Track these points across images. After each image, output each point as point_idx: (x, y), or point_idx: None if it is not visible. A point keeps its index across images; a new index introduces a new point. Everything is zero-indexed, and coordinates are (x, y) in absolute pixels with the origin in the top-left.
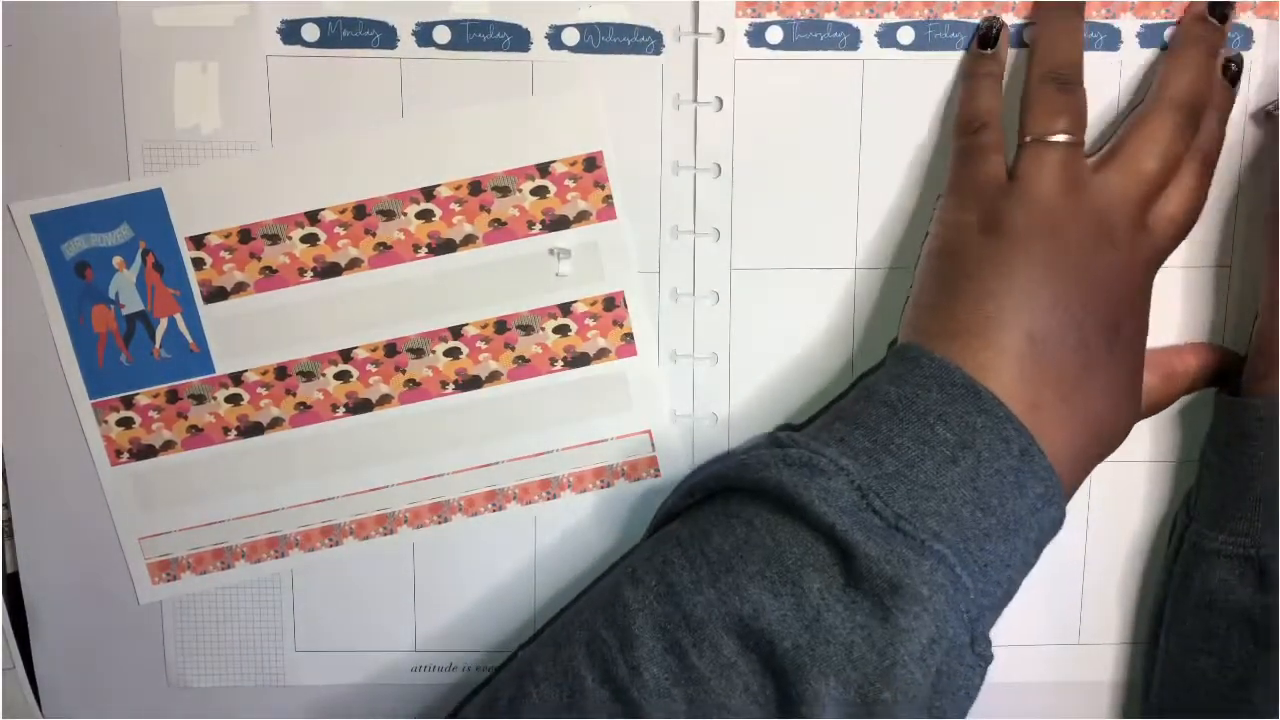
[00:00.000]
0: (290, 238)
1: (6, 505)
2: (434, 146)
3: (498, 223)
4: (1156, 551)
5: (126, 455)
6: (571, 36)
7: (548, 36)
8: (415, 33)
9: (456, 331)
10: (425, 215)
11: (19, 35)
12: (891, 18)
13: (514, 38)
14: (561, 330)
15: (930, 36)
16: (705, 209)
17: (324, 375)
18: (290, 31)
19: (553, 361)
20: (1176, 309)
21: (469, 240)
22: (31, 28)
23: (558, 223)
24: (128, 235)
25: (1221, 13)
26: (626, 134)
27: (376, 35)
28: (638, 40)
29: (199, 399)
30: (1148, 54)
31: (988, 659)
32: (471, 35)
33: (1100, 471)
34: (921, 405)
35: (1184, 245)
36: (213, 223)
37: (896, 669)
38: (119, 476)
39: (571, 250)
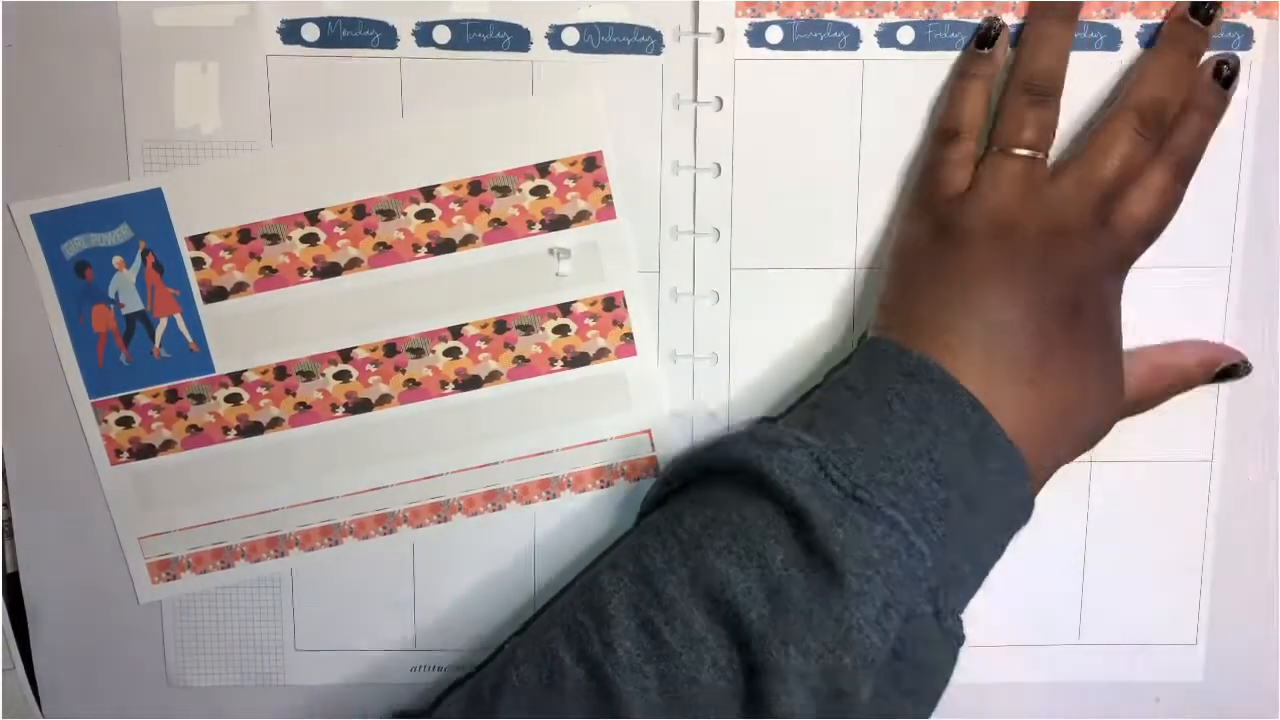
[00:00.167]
0: (290, 238)
1: (6, 505)
2: (434, 146)
3: (497, 222)
4: (1157, 551)
5: (126, 455)
6: (571, 36)
7: (548, 36)
8: (415, 33)
9: (456, 331)
10: (425, 215)
11: (19, 35)
12: (891, 18)
13: (514, 38)
14: (561, 330)
15: (930, 36)
16: (705, 209)
17: (324, 375)
18: (290, 31)
19: (552, 361)
20: (1176, 309)
21: (469, 240)
22: (31, 28)
23: (557, 223)
24: (128, 235)
25: (1205, 14)
26: (626, 134)
27: (376, 35)
28: (638, 40)
29: (199, 399)
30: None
31: (957, 636)
32: (471, 35)
33: (1101, 471)
34: (880, 387)
35: (1184, 245)
36: (212, 222)
37: (853, 634)
38: (119, 476)
39: (571, 250)
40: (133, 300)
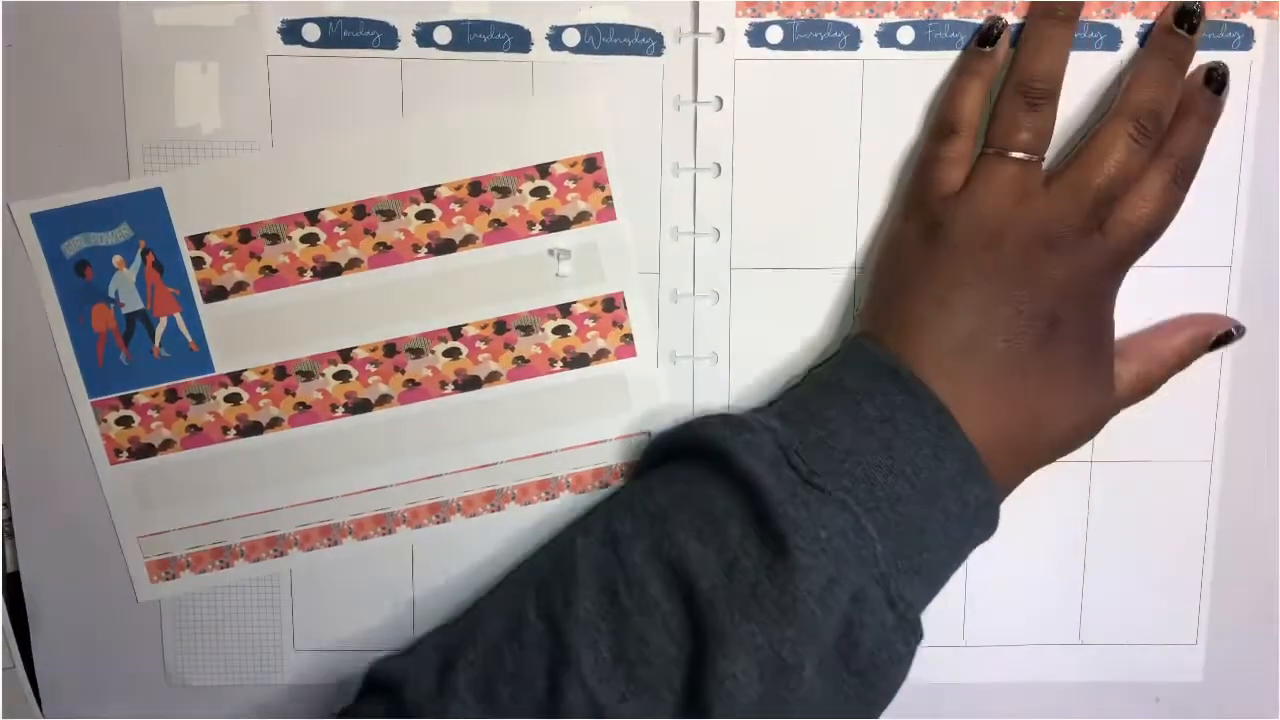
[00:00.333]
0: (290, 237)
1: (6, 505)
2: (434, 146)
3: (498, 223)
4: (1157, 551)
5: (126, 454)
6: (572, 37)
7: (548, 37)
8: (416, 33)
9: (456, 332)
10: (425, 215)
11: (19, 35)
12: (891, 18)
13: (515, 38)
14: (561, 331)
15: (930, 36)
16: (705, 209)
17: (323, 375)
18: (291, 31)
19: (552, 362)
20: (1176, 309)
21: (469, 240)
22: (31, 28)
23: (558, 223)
24: (128, 234)
25: (1190, 24)
26: (627, 135)
27: (377, 35)
28: (638, 41)
29: (198, 398)
30: None
31: (912, 627)
32: (472, 36)
33: (1101, 471)
34: (851, 385)
35: (1184, 245)
36: (212, 222)
37: (797, 605)
38: (118, 475)
39: (571, 251)
40: (133, 300)
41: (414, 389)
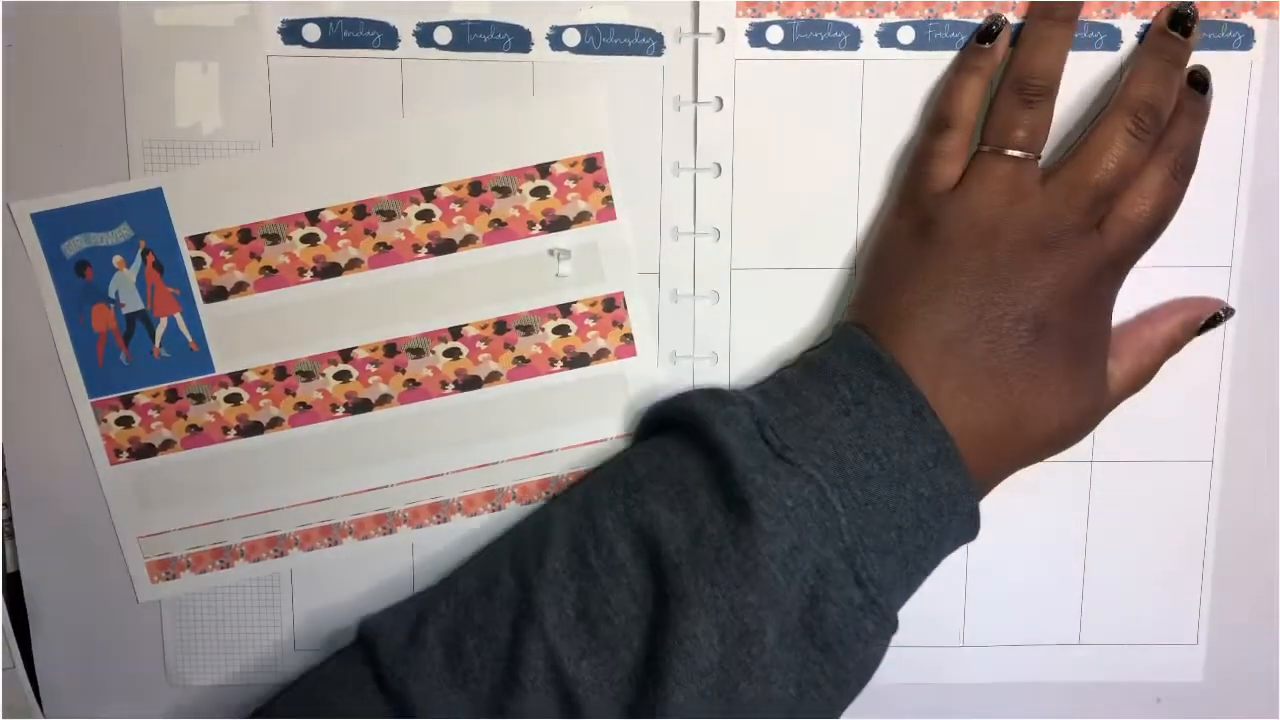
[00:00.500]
0: (290, 238)
1: (7, 505)
2: (434, 146)
3: (498, 223)
4: (1157, 551)
5: (126, 454)
6: (572, 37)
7: (549, 37)
8: (416, 33)
9: (456, 332)
10: (425, 215)
11: (19, 35)
12: (892, 18)
13: (515, 38)
14: (561, 331)
15: (930, 36)
16: (705, 209)
17: (324, 375)
18: (291, 31)
19: (552, 362)
20: None
21: (469, 240)
22: (31, 28)
23: (558, 223)
24: (128, 234)
25: (1184, 26)
26: (627, 135)
27: (377, 35)
28: (638, 41)
29: (198, 398)
30: None
31: (884, 610)
32: (472, 36)
33: (1101, 471)
34: (831, 367)
35: (1184, 245)
36: (213, 222)
37: (760, 570)
38: (118, 475)
39: (571, 251)
40: (133, 300)
41: (414, 389)
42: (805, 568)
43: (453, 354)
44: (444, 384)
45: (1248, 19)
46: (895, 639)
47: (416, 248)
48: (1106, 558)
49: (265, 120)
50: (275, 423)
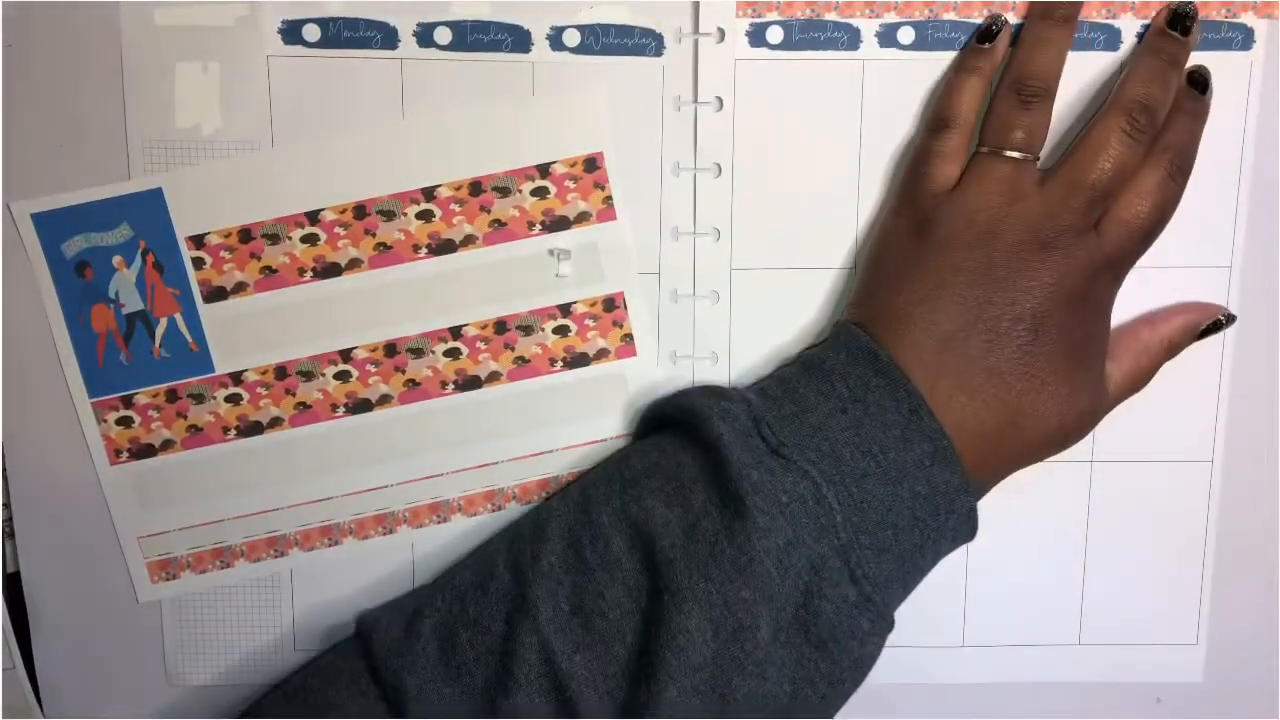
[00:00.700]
0: (290, 238)
1: (7, 505)
2: (434, 147)
3: (498, 223)
4: (1157, 551)
5: (126, 454)
6: (572, 38)
7: (548, 38)
8: (416, 33)
9: (456, 332)
10: (425, 215)
11: (19, 35)
12: (891, 18)
13: (515, 39)
14: (561, 331)
15: (930, 36)
16: (705, 209)
17: (324, 375)
18: (291, 31)
19: (552, 362)
20: None
21: (469, 241)
22: (31, 28)
23: (558, 223)
24: (128, 235)
25: (1183, 26)
26: (627, 135)
27: (377, 36)
28: (638, 41)
29: (198, 398)
30: None
31: (879, 609)
32: (472, 36)
33: (1101, 471)
34: (829, 365)
35: (1184, 245)
36: (213, 222)
37: (754, 565)
38: (118, 476)
39: (571, 251)
40: (133, 300)
41: (414, 389)
42: (800, 564)
43: (453, 354)
44: (444, 384)
45: (1247, 19)
46: (895, 639)
47: (416, 248)
48: (1106, 558)
49: (265, 120)
50: (275, 423)
